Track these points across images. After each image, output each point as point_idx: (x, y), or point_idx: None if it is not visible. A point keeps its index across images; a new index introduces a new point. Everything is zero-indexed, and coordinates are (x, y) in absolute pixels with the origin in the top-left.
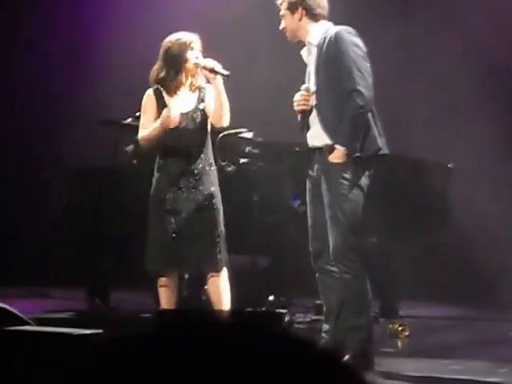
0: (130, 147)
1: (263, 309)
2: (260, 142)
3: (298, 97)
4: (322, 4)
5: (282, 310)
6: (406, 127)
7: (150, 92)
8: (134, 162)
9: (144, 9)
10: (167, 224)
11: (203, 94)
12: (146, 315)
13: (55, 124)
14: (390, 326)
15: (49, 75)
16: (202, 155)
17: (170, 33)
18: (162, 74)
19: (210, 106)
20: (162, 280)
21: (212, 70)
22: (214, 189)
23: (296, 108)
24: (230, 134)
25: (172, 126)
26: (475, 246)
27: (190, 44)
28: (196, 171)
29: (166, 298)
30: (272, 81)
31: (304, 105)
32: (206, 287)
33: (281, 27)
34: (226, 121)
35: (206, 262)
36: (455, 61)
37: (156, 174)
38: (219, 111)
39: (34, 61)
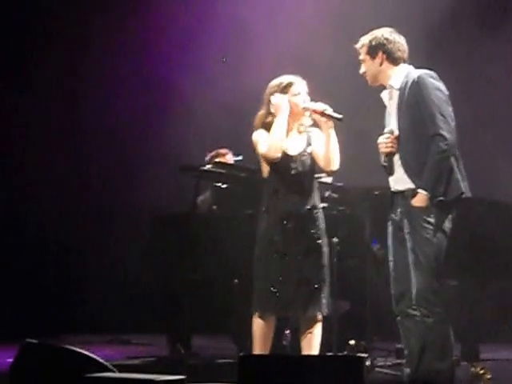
0: (203, 197)
1: (344, 353)
2: (339, 187)
3: (383, 139)
4: (402, 47)
5: (362, 354)
6: (488, 169)
7: (261, 131)
8: (214, 207)
9: (216, 53)
10: (275, 266)
11: (310, 137)
12: (227, 360)
13: (131, 169)
14: (472, 369)
15: (126, 119)
16: (310, 198)
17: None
18: (268, 119)
19: (317, 149)
20: (262, 323)
21: (323, 114)
22: (321, 232)
23: (383, 150)
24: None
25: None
26: None
27: (291, 86)
28: (304, 213)
29: (262, 341)
30: (350, 124)
31: (391, 147)
32: (286, 332)
33: (361, 72)
34: (335, 165)
35: (311, 307)
36: None
37: (264, 216)
38: (330, 155)
39: (110, 105)
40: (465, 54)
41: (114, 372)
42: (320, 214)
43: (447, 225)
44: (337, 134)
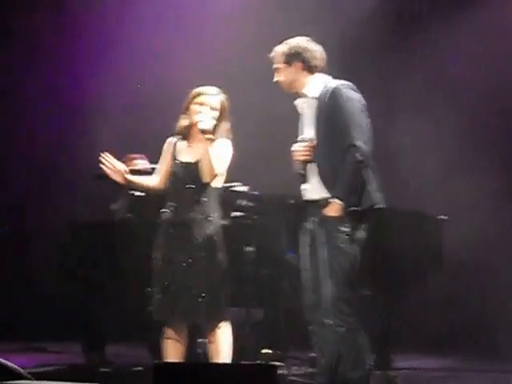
0: (116, 205)
1: (258, 362)
2: (255, 195)
3: (299, 147)
4: (319, 56)
5: (276, 363)
6: (402, 180)
7: (169, 139)
8: (129, 215)
9: (137, 60)
10: (161, 274)
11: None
12: (141, 368)
13: (50, 176)
14: (385, 378)
15: (43, 127)
16: (201, 207)
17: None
18: (184, 124)
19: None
20: (169, 330)
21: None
22: (210, 241)
23: (298, 158)
24: (226, 187)
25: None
26: (469, 297)
27: (199, 96)
28: (191, 222)
29: (170, 349)
30: (264, 131)
31: (307, 155)
32: (199, 340)
33: (275, 80)
34: (207, 178)
35: (204, 316)
36: (454, 116)
37: (159, 223)
38: (205, 167)
39: (29, 113)
40: (383, 64)
41: (30, 379)
42: (213, 224)
43: (360, 234)
44: (252, 140)
